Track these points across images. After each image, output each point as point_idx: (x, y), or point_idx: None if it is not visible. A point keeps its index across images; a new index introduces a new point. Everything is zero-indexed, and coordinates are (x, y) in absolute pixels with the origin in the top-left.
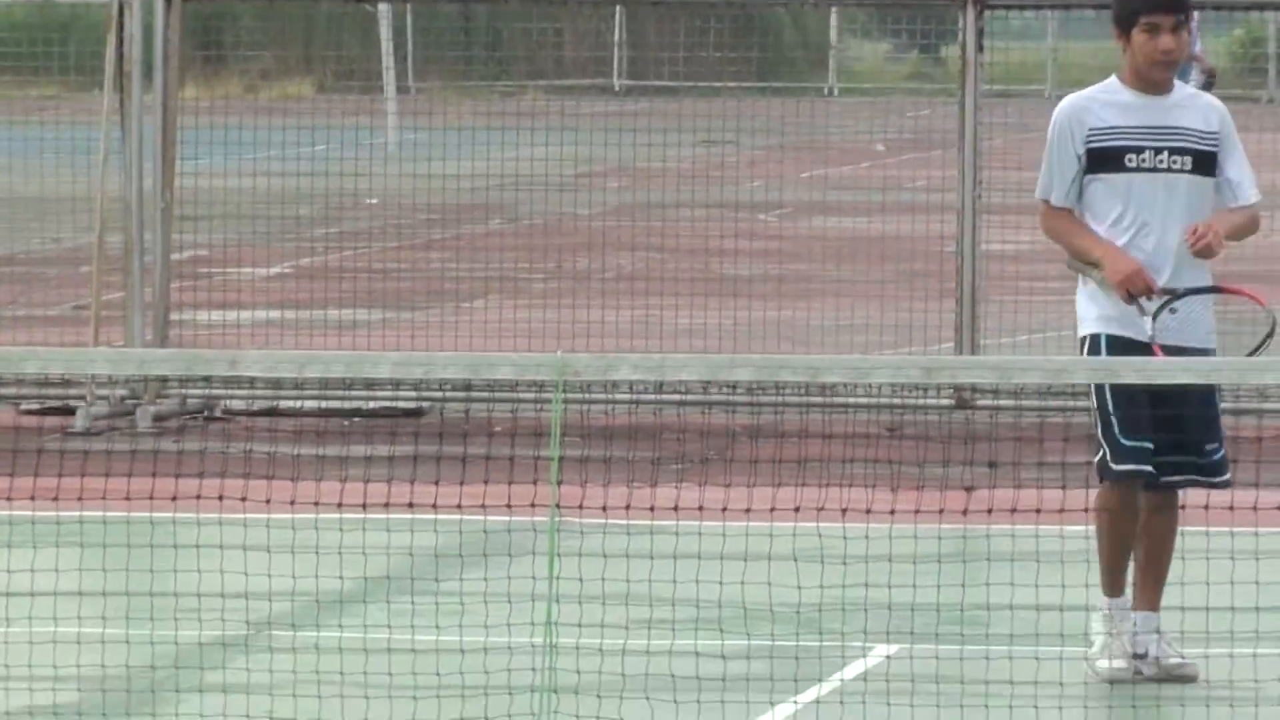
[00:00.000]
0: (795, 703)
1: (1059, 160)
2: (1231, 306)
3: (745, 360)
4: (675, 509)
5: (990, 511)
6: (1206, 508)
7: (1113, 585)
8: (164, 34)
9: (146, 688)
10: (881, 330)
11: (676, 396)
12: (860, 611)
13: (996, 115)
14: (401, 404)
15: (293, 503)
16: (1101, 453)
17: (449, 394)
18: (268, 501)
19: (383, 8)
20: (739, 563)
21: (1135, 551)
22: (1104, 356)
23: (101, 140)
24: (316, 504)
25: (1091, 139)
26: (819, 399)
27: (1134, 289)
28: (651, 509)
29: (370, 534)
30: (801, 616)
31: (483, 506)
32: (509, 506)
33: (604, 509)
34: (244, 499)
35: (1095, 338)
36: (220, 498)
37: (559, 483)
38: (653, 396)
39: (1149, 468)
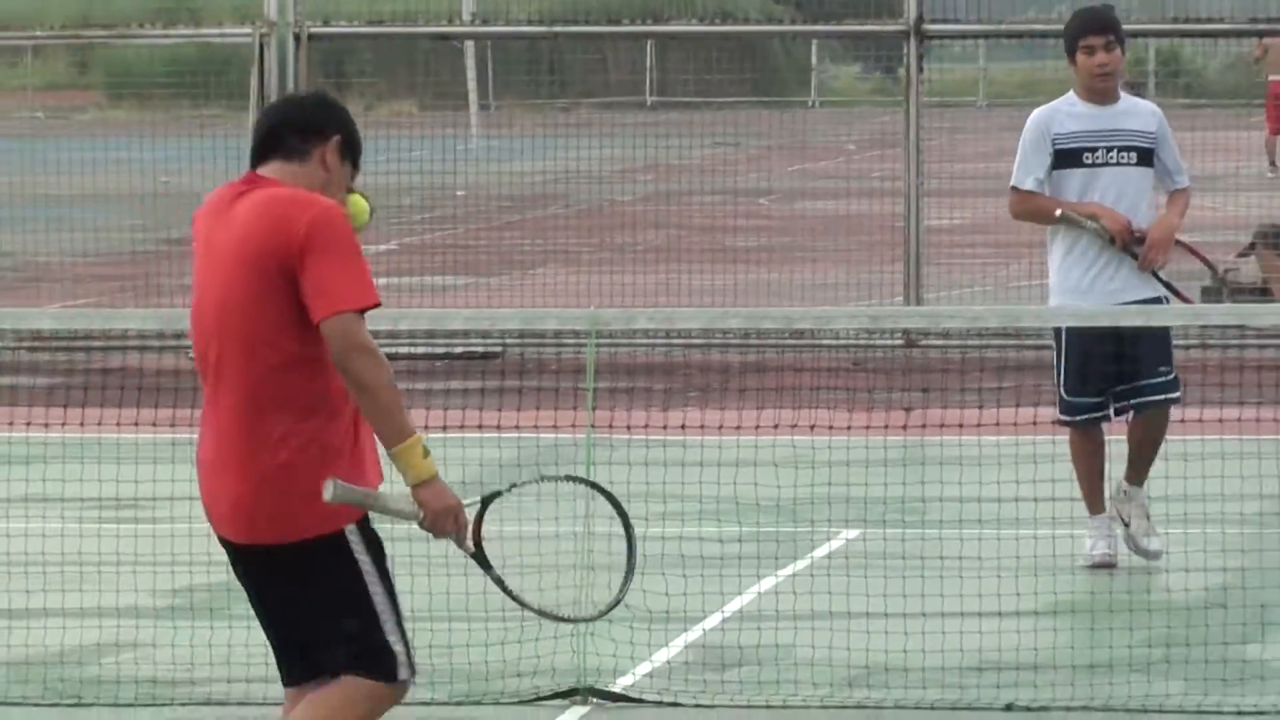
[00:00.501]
0: (778, 576)
1: (1034, 156)
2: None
3: (735, 313)
4: (683, 427)
5: (924, 426)
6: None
7: (1090, 505)
8: (295, 67)
9: None
10: (849, 288)
11: (682, 341)
12: (828, 504)
13: (938, 121)
14: (479, 349)
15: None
16: (1058, 404)
17: (513, 341)
18: None
19: (468, 44)
20: (733, 468)
21: (1129, 445)
22: (1024, 307)
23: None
24: (425, 427)
25: (1058, 142)
26: (799, 341)
27: (1126, 237)
28: (664, 427)
29: (457, 449)
30: (782, 508)
31: (535, 428)
32: (555, 428)
33: (628, 428)
34: None
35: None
36: None
37: (594, 408)
38: (664, 341)
39: (1090, 416)
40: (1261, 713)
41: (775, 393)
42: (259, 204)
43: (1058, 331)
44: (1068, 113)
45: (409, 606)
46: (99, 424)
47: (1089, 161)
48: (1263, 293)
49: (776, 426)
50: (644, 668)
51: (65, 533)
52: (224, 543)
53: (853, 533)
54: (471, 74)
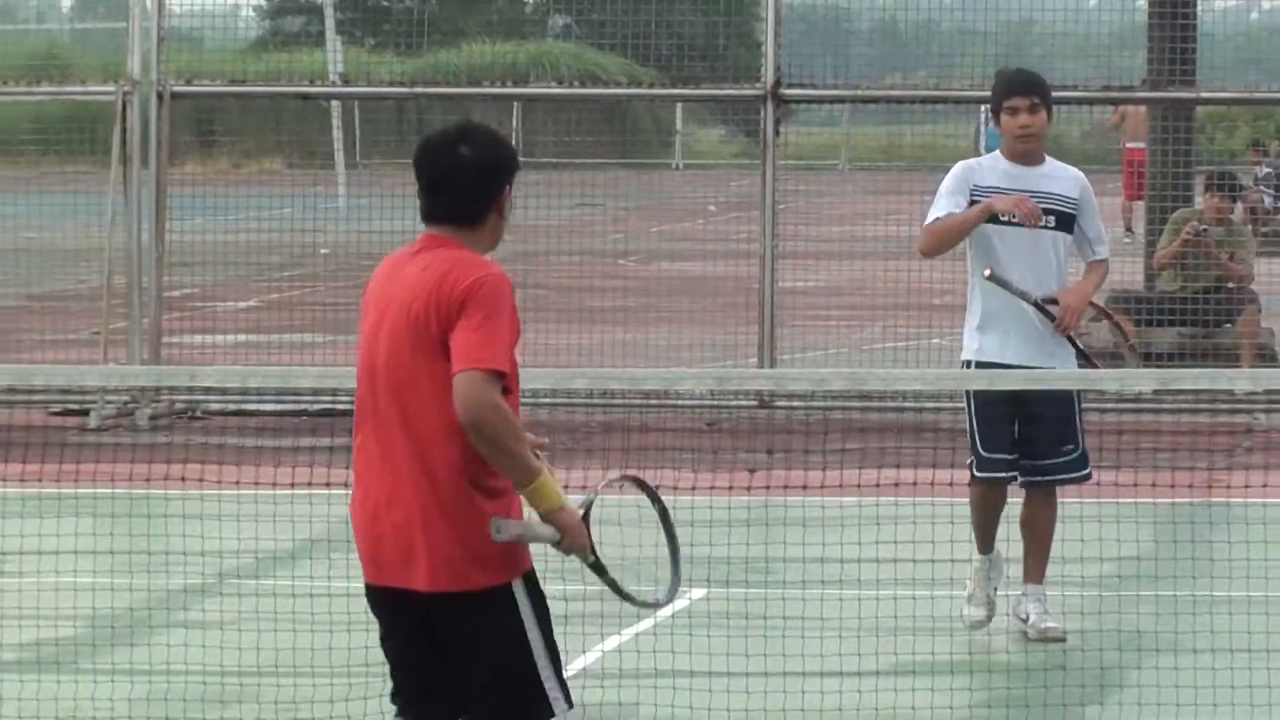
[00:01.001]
0: (622, 635)
1: (950, 196)
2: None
3: (583, 373)
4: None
5: (768, 488)
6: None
7: (982, 544)
8: (157, 124)
9: (143, 623)
10: (705, 348)
11: (531, 401)
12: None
13: (799, 184)
14: (339, 406)
15: (256, 483)
16: (971, 458)
17: None
18: (237, 482)
19: (335, 104)
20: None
21: (1023, 536)
22: (870, 370)
23: (110, 206)
24: (273, 484)
25: (975, 193)
26: (651, 402)
27: (1022, 207)
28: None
29: (309, 506)
30: (628, 567)
31: None
32: None
33: None
34: (219, 480)
35: (968, 362)
36: (201, 480)
37: None
38: (530, 400)
39: (1004, 474)
40: None
41: (624, 453)
42: (429, 265)
43: (968, 397)
44: (990, 167)
45: (254, 663)
46: None
47: (1004, 220)
48: (1113, 357)
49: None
50: None
51: None
52: (375, 589)
53: (699, 592)
54: (338, 133)
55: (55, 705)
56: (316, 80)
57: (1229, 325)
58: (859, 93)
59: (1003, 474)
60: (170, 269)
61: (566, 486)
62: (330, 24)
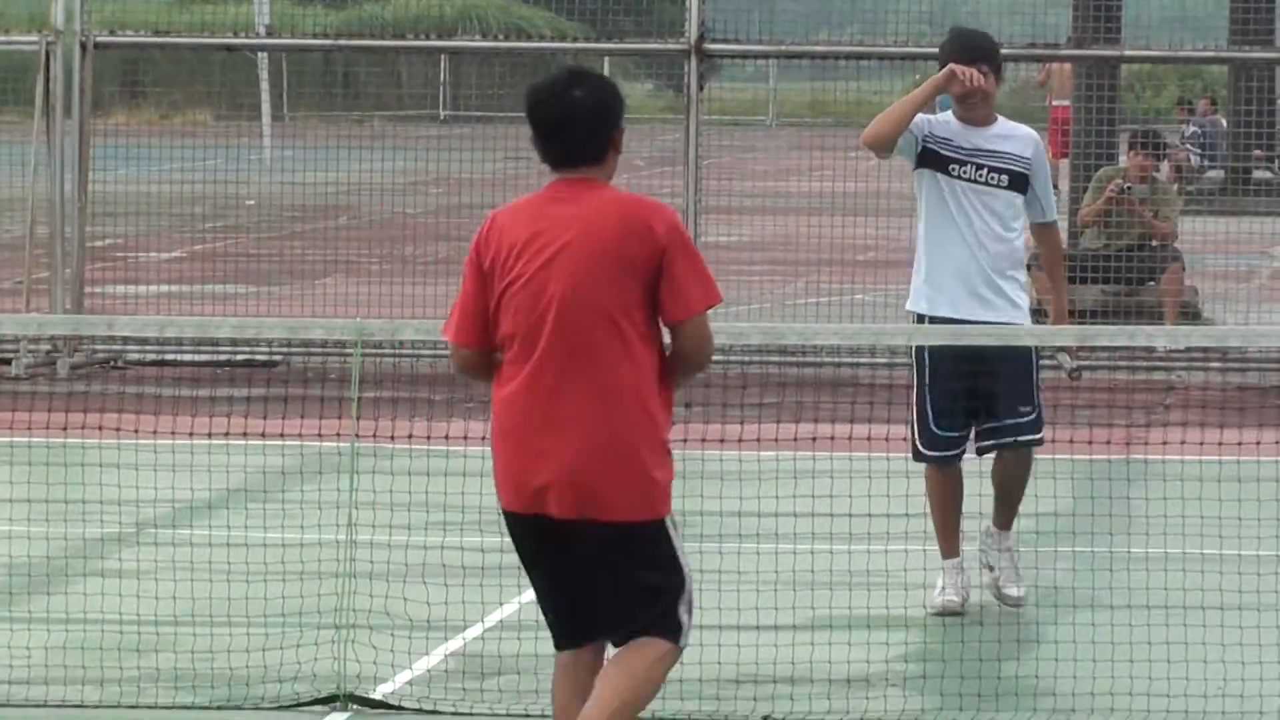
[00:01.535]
0: None
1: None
2: None
3: None
4: (446, 438)
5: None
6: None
7: (946, 548)
8: (80, 75)
9: (61, 571)
10: None
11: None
12: None
13: (726, 139)
14: (261, 357)
15: (173, 433)
16: (913, 439)
17: (296, 350)
18: (154, 432)
19: (262, 55)
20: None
21: (994, 489)
22: (788, 324)
23: (33, 156)
24: (190, 434)
25: (929, 140)
26: None
27: (966, 75)
28: (428, 438)
29: (226, 456)
30: None
31: (299, 436)
32: (320, 436)
33: (391, 438)
34: (136, 430)
35: (920, 316)
36: (118, 429)
37: (358, 418)
38: (430, 353)
39: (955, 453)
40: None
41: None
42: (599, 207)
43: (919, 357)
44: (944, 121)
45: (171, 612)
46: None
47: (954, 173)
48: (1036, 313)
49: None
50: (404, 675)
51: None
52: (520, 517)
53: None
54: (265, 85)
55: None
56: (242, 32)
57: (1152, 283)
58: (783, 48)
59: (953, 452)
60: (95, 219)
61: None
62: None
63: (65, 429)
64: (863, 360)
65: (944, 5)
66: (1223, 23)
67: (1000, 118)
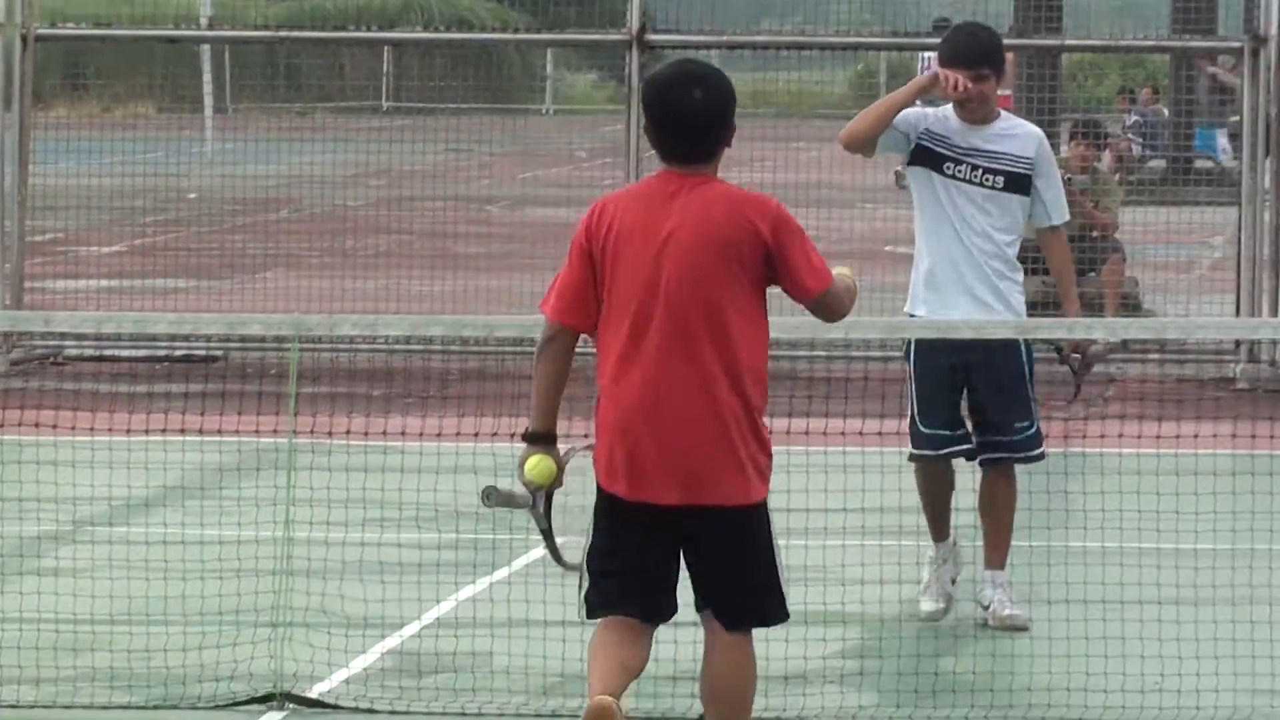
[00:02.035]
0: (476, 584)
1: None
2: None
3: (438, 320)
4: (384, 434)
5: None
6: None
7: (935, 533)
8: (20, 67)
9: None
10: None
11: (385, 348)
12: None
13: None
14: (200, 352)
15: (110, 429)
16: (911, 436)
17: (234, 345)
18: (91, 429)
19: (205, 48)
20: (434, 475)
21: (980, 519)
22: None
23: None
24: (128, 430)
25: (923, 138)
26: (514, 349)
27: (947, 80)
28: (366, 434)
29: (164, 453)
30: (484, 516)
31: (236, 432)
32: (257, 432)
33: (329, 434)
34: (73, 426)
35: (912, 315)
36: (54, 426)
37: (295, 414)
38: (368, 348)
39: (944, 451)
40: None
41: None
42: (711, 200)
43: (908, 351)
44: (944, 118)
45: (108, 610)
46: None
47: (949, 172)
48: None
49: (477, 435)
50: (341, 674)
51: None
52: (620, 500)
53: (559, 539)
54: (207, 77)
55: None
56: (185, 24)
57: (1093, 274)
58: (724, 38)
59: (942, 451)
60: (35, 213)
61: (421, 434)
62: None
63: (2, 425)
64: (801, 354)
65: None
66: (1165, 11)
67: (1004, 113)
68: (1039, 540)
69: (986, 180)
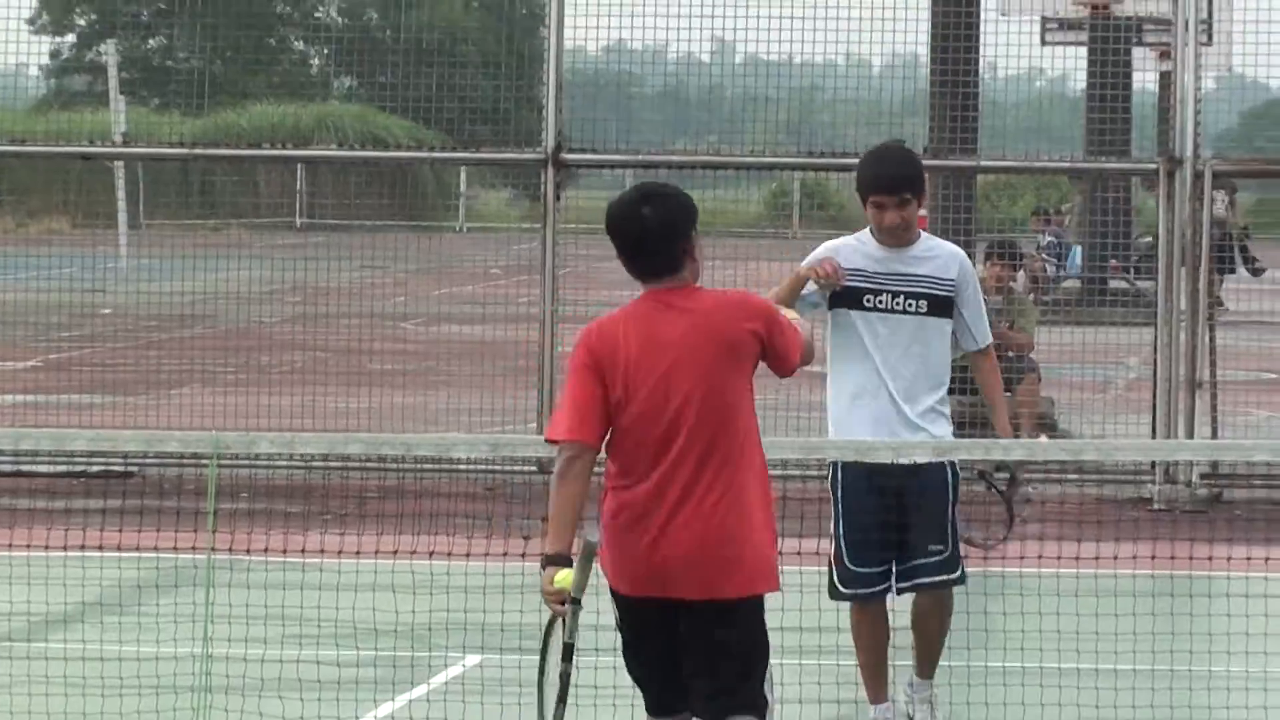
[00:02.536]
0: (395, 701)
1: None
2: None
3: (356, 438)
4: (303, 551)
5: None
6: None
7: (872, 693)
8: None
9: None
10: (486, 413)
11: (303, 465)
12: (446, 631)
13: (583, 248)
14: (118, 468)
15: (28, 545)
16: (831, 575)
17: (150, 461)
18: (9, 545)
19: (118, 164)
20: (352, 592)
21: (913, 633)
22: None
23: None
24: (46, 546)
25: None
26: (426, 466)
27: (821, 270)
28: (284, 551)
29: (82, 569)
30: (402, 633)
31: (155, 549)
32: (175, 549)
33: (247, 551)
34: None
35: (834, 464)
36: None
37: (214, 530)
38: (285, 464)
39: (874, 590)
40: None
41: (398, 519)
42: (705, 308)
43: (834, 485)
44: (857, 249)
45: None
46: None
47: (869, 305)
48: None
49: (395, 552)
50: None
51: None
52: (637, 601)
53: (474, 658)
54: (121, 193)
55: None
56: (99, 140)
57: (1008, 394)
58: (640, 158)
59: (877, 589)
60: None
61: (340, 552)
62: (114, 84)
63: None
64: None
65: (801, 115)
66: (1079, 133)
67: (924, 234)
68: (958, 660)
69: (909, 306)
